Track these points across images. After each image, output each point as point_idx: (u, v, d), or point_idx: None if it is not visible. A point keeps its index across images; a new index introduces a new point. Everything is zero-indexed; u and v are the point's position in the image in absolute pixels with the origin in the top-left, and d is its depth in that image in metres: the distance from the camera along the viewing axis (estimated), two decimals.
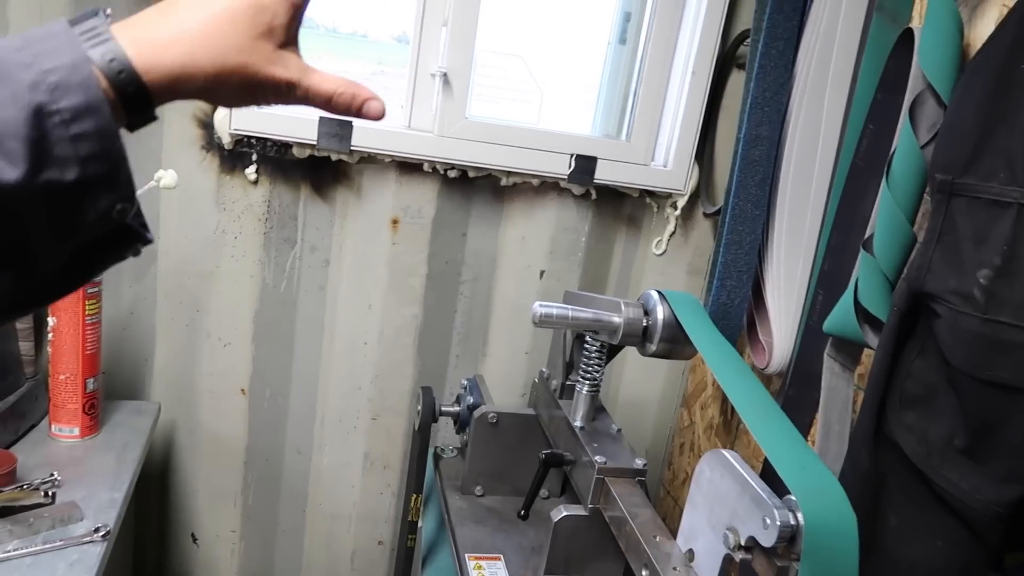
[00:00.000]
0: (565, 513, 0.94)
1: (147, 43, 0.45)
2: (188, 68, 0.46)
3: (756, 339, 1.21)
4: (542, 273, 1.45)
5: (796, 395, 1.12)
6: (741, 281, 1.15)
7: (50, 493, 0.98)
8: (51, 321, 1.13)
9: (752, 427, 0.78)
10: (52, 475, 1.04)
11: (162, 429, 1.41)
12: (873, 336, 0.91)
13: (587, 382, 1.03)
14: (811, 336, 1.09)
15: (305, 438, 1.47)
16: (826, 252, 1.07)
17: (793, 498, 0.68)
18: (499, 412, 1.18)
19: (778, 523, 0.65)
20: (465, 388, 1.29)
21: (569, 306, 0.95)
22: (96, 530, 0.98)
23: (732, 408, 1.37)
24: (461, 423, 1.26)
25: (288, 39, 0.51)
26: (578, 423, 1.03)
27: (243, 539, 1.51)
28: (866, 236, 0.92)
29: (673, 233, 1.48)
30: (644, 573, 0.80)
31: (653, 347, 0.98)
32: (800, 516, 0.66)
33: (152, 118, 0.48)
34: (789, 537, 0.66)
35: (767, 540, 0.67)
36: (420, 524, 1.34)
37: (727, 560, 0.73)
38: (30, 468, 1.09)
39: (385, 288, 1.40)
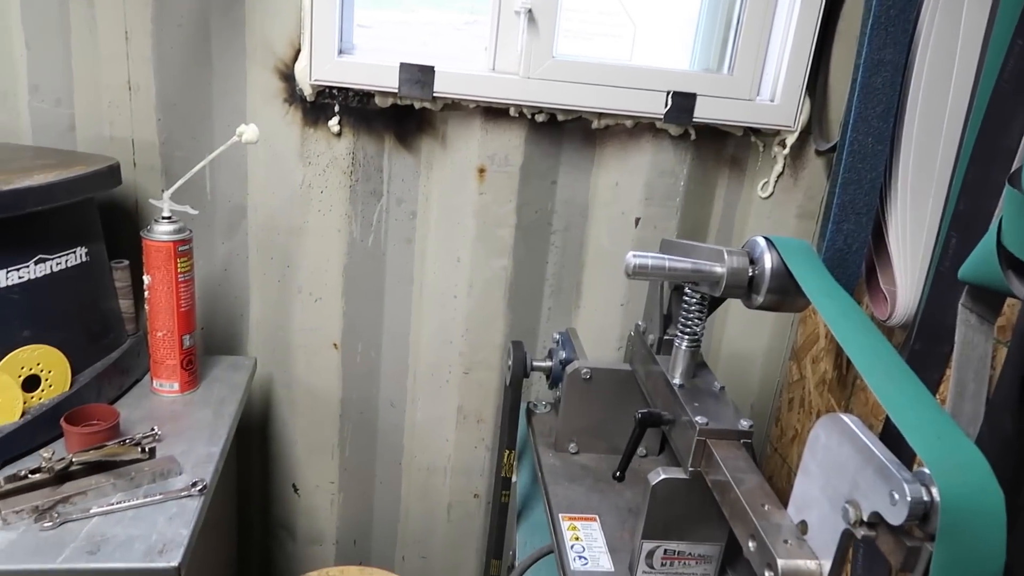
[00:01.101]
0: (663, 476, 0.89)
1: None
2: None
3: (876, 288, 1.10)
4: (637, 221, 1.37)
5: (923, 350, 1.01)
6: (860, 224, 1.04)
7: (148, 449, 1.00)
8: (147, 279, 1.15)
9: (876, 388, 0.69)
10: (153, 430, 1.07)
11: (260, 383, 1.43)
12: (1019, 283, 0.80)
13: (686, 337, 0.96)
14: (942, 284, 0.97)
15: (398, 392, 1.47)
16: (961, 190, 0.94)
17: (926, 471, 0.60)
18: (593, 367, 1.13)
19: (908, 499, 0.57)
20: (557, 342, 1.24)
21: (666, 256, 0.87)
22: (194, 484, 0.99)
23: (848, 362, 1.26)
24: (554, 378, 1.21)
25: None
26: (677, 380, 0.96)
27: (342, 490, 1.53)
28: (1012, 170, 0.80)
29: (781, 174, 1.36)
30: (751, 545, 0.74)
31: (760, 299, 0.90)
32: (935, 491, 0.58)
33: None
34: (921, 515, 0.58)
35: (895, 517, 0.59)
36: (514, 480, 1.32)
37: (846, 536, 0.66)
38: (133, 422, 1.12)
39: (473, 240, 1.35)
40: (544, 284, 1.42)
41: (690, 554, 0.93)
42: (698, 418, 0.87)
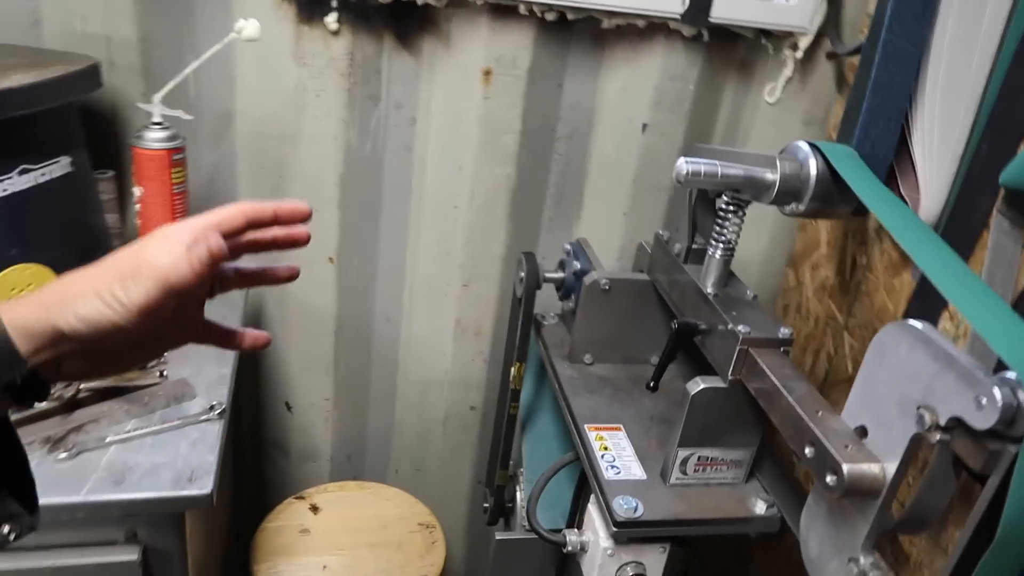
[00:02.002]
0: (703, 386, 0.89)
1: (27, 316, 0.47)
2: (74, 317, 0.47)
3: (897, 195, 1.10)
4: (644, 127, 1.33)
5: None
6: (888, 130, 1.02)
7: (162, 372, 0.95)
8: (137, 191, 1.07)
9: (947, 291, 0.69)
10: None
11: (252, 300, 1.37)
12: None
13: (721, 245, 0.94)
14: (971, 191, 0.97)
15: (394, 306, 1.43)
16: (1000, 94, 0.93)
17: (1011, 375, 0.60)
18: (612, 278, 1.11)
19: (999, 403, 0.58)
20: (569, 253, 1.21)
21: (718, 162, 0.84)
22: (211, 408, 0.95)
23: (851, 268, 1.27)
24: (566, 290, 1.19)
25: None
26: (710, 290, 0.95)
27: (336, 407, 1.50)
28: None
29: (789, 79, 1.33)
30: (808, 451, 0.74)
31: (802, 206, 0.88)
32: (1022, 396, 0.59)
33: (40, 390, 0.51)
34: (1010, 419, 0.59)
35: (981, 422, 0.60)
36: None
37: (915, 441, 0.67)
38: None
39: (477, 147, 1.30)
40: (546, 193, 1.38)
41: (722, 460, 0.94)
42: (740, 327, 0.87)
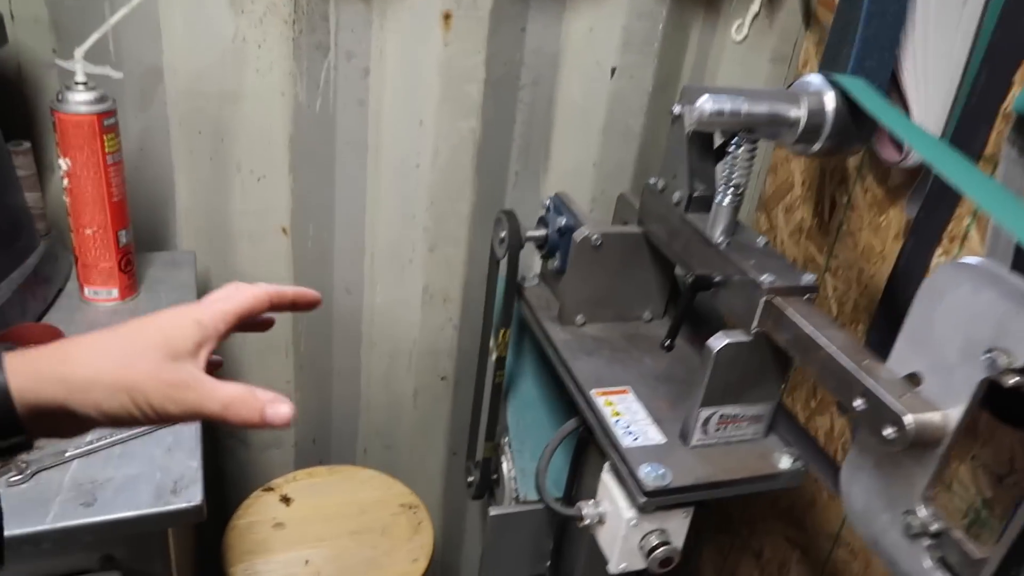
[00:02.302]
0: (727, 341, 0.84)
1: (29, 374, 0.45)
2: (73, 397, 0.46)
3: (882, 130, 1.07)
4: (613, 71, 1.25)
5: (942, 189, 1.00)
6: (883, 61, 0.98)
7: None
8: (63, 164, 0.92)
9: (1001, 219, 0.65)
10: None
11: (198, 281, 1.24)
12: None
13: (731, 190, 0.88)
14: (969, 121, 0.95)
15: (355, 276, 1.32)
16: (999, 21, 0.90)
17: None
18: (603, 233, 1.04)
19: None
20: (549, 208, 1.14)
21: (741, 98, 0.78)
22: None
23: (831, 208, 1.25)
24: (550, 248, 1.12)
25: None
26: (720, 239, 0.90)
27: (298, 389, 1.39)
28: None
29: (756, 15, 1.28)
30: (858, 403, 0.70)
31: (818, 145, 0.83)
32: None
33: (20, 443, 0.46)
34: None
35: None
36: (492, 358, 1.24)
37: (984, 386, 0.63)
38: None
39: (438, 99, 1.19)
40: (512, 147, 1.29)
41: (743, 416, 0.90)
42: (764, 276, 0.82)
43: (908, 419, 0.65)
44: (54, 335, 0.86)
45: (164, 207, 1.19)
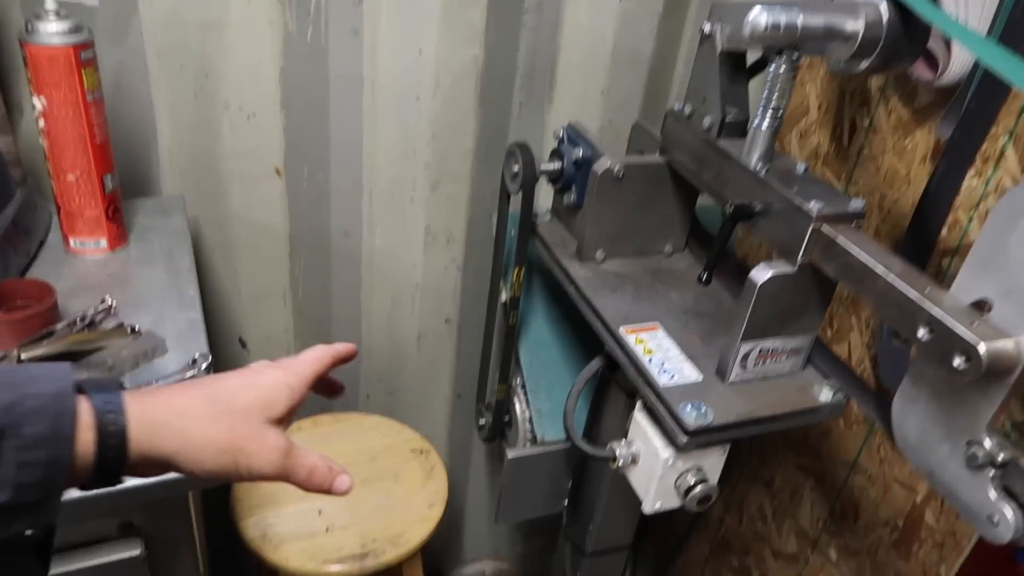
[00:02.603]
0: (772, 273, 0.79)
1: (149, 424, 0.47)
2: (182, 453, 0.49)
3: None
4: None
5: (980, 108, 0.96)
6: None
7: (136, 328, 0.76)
8: (37, 103, 0.83)
9: None
10: (104, 301, 0.82)
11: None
12: None
13: (770, 113, 0.83)
14: (1011, 36, 0.90)
15: (353, 218, 1.26)
16: None
17: None
18: (625, 164, 0.98)
19: None
20: (563, 139, 1.07)
21: (795, 8, 0.71)
22: (193, 361, 0.78)
23: (851, 132, 1.20)
24: (565, 181, 1.06)
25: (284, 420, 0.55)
26: (758, 166, 0.85)
27: (297, 338, 1.34)
28: None
29: None
30: (923, 333, 0.67)
31: (868, 62, 0.78)
32: None
33: (112, 479, 0.47)
34: None
35: None
36: (503, 299, 1.19)
37: None
38: (63, 295, 0.85)
39: (438, 26, 1.11)
40: (516, 76, 1.21)
41: (782, 350, 0.87)
42: (812, 203, 0.77)
43: (982, 347, 0.62)
44: (45, 291, 0.78)
45: (146, 150, 1.10)
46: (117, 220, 0.93)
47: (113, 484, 0.47)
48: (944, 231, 1.08)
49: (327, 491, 0.57)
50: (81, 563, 0.69)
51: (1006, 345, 0.63)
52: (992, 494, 0.68)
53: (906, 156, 1.11)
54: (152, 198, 1.09)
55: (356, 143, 1.18)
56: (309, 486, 0.56)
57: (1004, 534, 0.68)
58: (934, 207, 1.05)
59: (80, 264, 0.92)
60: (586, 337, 1.27)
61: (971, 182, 1.02)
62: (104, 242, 0.93)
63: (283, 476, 0.54)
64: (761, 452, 1.52)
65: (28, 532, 0.45)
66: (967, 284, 0.68)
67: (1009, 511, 0.67)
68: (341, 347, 0.63)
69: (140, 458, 0.47)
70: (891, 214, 1.15)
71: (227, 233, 1.19)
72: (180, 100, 1.06)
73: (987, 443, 0.68)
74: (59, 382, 0.44)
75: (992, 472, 0.68)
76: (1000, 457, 0.67)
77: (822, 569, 1.38)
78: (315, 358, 0.60)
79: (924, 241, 1.05)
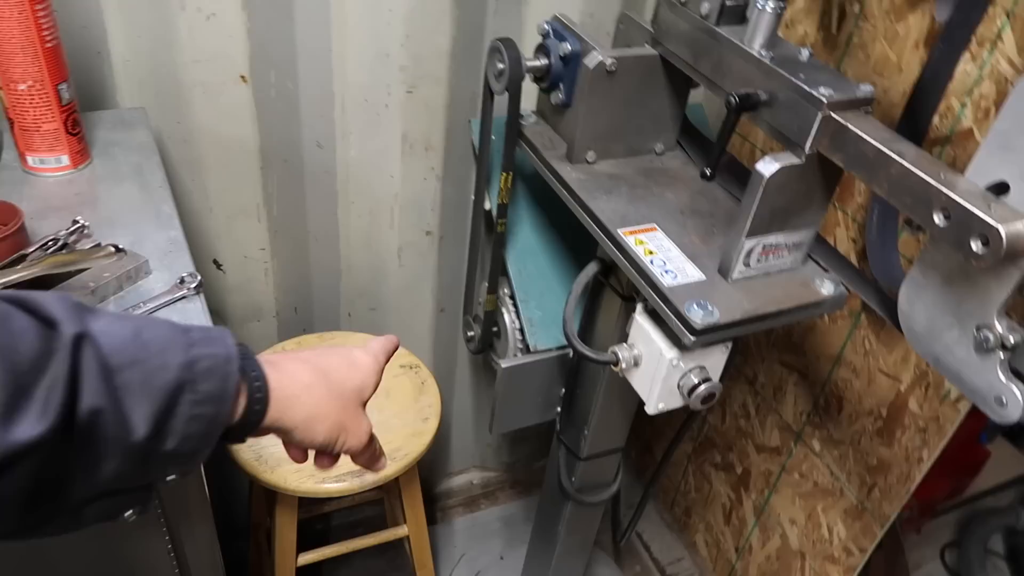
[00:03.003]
0: (779, 165, 0.77)
1: (284, 396, 0.53)
2: (303, 425, 0.55)
3: None
4: None
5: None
6: None
7: (120, 247, 0.71)
8: None
9: None
10: (76, 221, 0.76)
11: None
12: None
13: None
14: None
15: (326, 127, 1.19)
16: None
17: None
18: (618, 57, 0.94)
19: None
20: (547, 34, 1.02)
21: None
22: (182, 281, 0.74)
23: (839, 20, 1.16)
24: (552, 79, 1.01)
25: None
26: (762, 52, 0.81)
27: (275, 256, 1.29)
28: None
29: None
30: (939, 218, 0.66)
31: None
32: None
33: (242, 439, 0.53)
34: None
35: None
36: (488, 207, 1.15)
37: None
38: (28, 219, 0.79)
39: None
40: None
41: (784, 244, 0.86)
42: (821, 89, 0.74)
43: (1002, 230, 0.61)
44: (9, 212, 0.73)
45: (96, 58, 1.02)
46: (78, 134, 0.86)
47: (238, 443, 0.54)
48: (936, 119, 1.07)
49: (373, 468, 0.67)
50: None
51: None
52: (1001, 376, 0.69)
53: (898, 43, 1.08)
54: (111, 111, 1.02)
55: (325, 46, 1.11)
56: (367, 463, 0.65)
57: (1013, 414, 0.69)
58: (928, 94, 1.03)
59: (42, 184, 0.86)
60: (574, 243, 1.25)
61: (964, 67, 1.00)
62: (66, 158, 0.86)
63: (358, 453, 0.61)
64: (744, 351, 1.54)
65: (170, 478, 0.49)
66: (984, 166, 0.66)
67: (1018, 392, 0.68)
68: (393, 339, 0.68)
69: (269, 424, 0.52)
70: (881, 104, 1.13)
71: (193, 148, 1.12)
72: (134, 18, 0.97)
73: (998, 327, 0.68)
74: (227, 346, 0.48)
75: (1002, 355, 0.69)
76: (1011, 340, 0.67)
77: (805, 460, 1.43)
78: (384, 347, 0.65)
79: (916, 130, 1.04)
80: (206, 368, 0.46)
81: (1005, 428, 2.13)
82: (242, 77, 1.08)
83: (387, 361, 0.65)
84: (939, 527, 1.97)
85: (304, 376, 0.55)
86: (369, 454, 0.63)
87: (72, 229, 0.76)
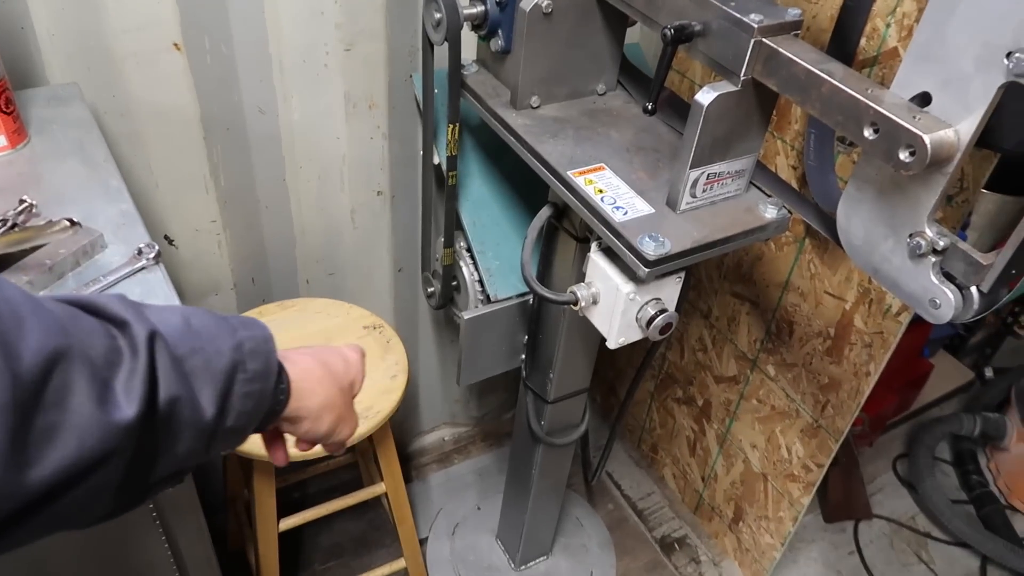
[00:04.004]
0: (716, 94, 0.79)
1: (302, 388, 0.58)
2: (314, 415, 0.60)
3: None
4: None
5: None
6: None
7: (75, 221, 0.71)
8: None
9: None
10: (24, 200, 0.75)
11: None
12: None
13: None
14: None
15: (265, 92, 1.18)
16: None
17: None
18: None
19: None
20: None
21: None
22: (140, 252, 0.74)
23: None
24: (491, 26, 1.02)
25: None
26: None
27: (226, 227, 1.28)
28: None
29: None
30: (869, 133, 0.69)
31: None
32: None
33: (264, 428, 0.57)
34: None
35: None
36: (437, 161, 1.16)
37: (1010, 90, 0.62)
38: None
39: None
40: None
41: (727, 173, 0.89)
42: (752, 16, 0.76)
43: (927, 139, 0.64)
44: None
45: (20, 34, 0.99)
46: (12, 113, 0.84)
47: (259, 432, 0.57)
48: (863, 41, 1.10)
49: (335, 452, 0.71)
50: None
51: (947, 135, 0.66)
52: (934, 279, 0.73)
53: None
54: (42, 88, 0.99)
55: (257, 6, 1.09)
56: (334, 449, 0.68)
57: (946, 313, 0.73)
58: (854, 16, 1.06)
59: None
60: (524, 190, 1.27)
61: None
62: (2, 139, 0.84)
63: (340, 443, 0.66)
64: (697, 286, 1.58)
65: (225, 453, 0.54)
66: (906, 80, 0.70)
67: (949, 293, 0.72)
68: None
69: (289, 413, 0.56)
70: (810, 30, 1.16)
71: (132, 122, 1.10)
72: None
73: (928, 233, 0.72)
74: (263, 328, 0.53)
75: (933, 259, 0.73)
76: (940, 244, 0.71)
77: (762, 386, 1.49)
78: (361, 350, 0.69)
79: (845, 52, 1.07)
80: (251, 349, 0.50)
81: (946, 341, 2.24)
82: (175, 45, 1.06)
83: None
84: (890, 440, 2.07)
85: (316, 370, 0.59)
86: (340, 441, 0.68)
87: (20, 209, 0.75)
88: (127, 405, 0.41)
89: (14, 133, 0.85)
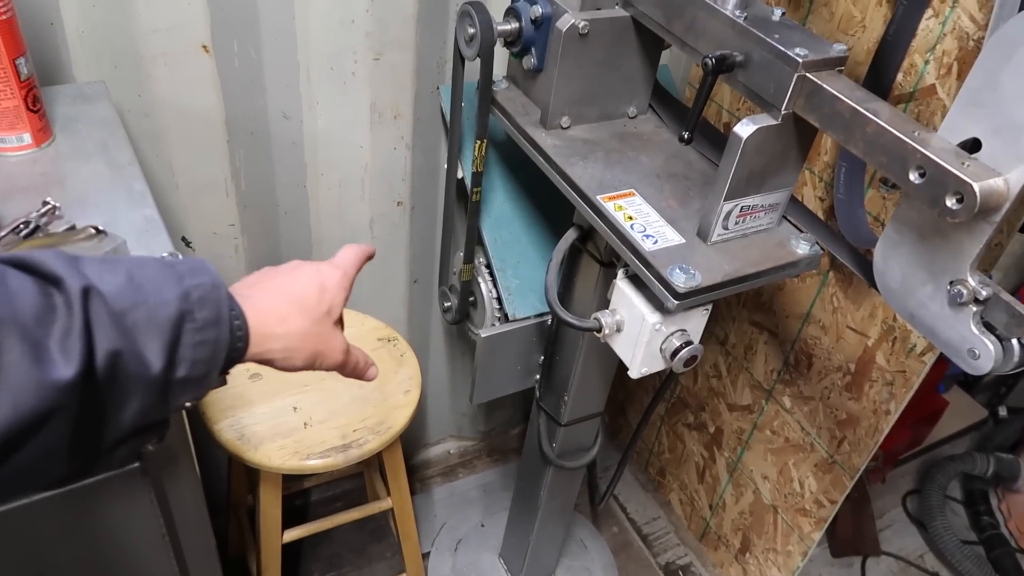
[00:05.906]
0: (755, 127, 0.78)
1: (262, 332, 0.56)
2: (281, 356, 0.58)
3: None
4: None
5: None
6: None
7: (100, 228, 0.69)
8: None
9: None
10: (47, 203, 0.74)
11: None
12: None
13: None
14: None
15: (291, 98, 1.17)
16: None
17: None
18: (591, 19, 0.93)
19: None
20: None
21: None
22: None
23: None
24: (524, 44, 1.00)
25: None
26: (736, 13, 0.81)
27: (244, 231, 1.26)
28: None
29: None
30: (914, 176, 0.67)
31: None
32: None
33: (226, 371, 0.55)
34: None
35: None
36: (461, 175, 1.15)
37: None
38: None
39: None
40: None
41: (761, 206, 0.87)
42: (797, 50, 0.75)
43: (977, 187, 0.63)
44: None
45: (48, 30, 0.97)
46: (38, 111, 0.83)
47: (224, 374, 0.54)
48: (900, 76, 1.08)
49: (364, 378, 0.68)
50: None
51: (997, 184, 0.64)
52: (974, 329, 0.71)
53: (861, 0, 1.10)
54: (68, 85, 0.98)
55: (288, 12, 1.08)
56: (354, 375, 0.66)
57: (985, 364, 0.71)
58: (892, 51, 1.04)
59: (4, 164, 0.82)
60: (547, 210, 1.25)
61: (927, 23, 1.02)
62: (28, 137, 0.83)
63: (339, 369, 0.64)
64: (715, 312, 1.56)
65: (187, 405, 0.53)
66: (956, 124, 0.68)
67: (989, 344, 0.70)
68: (368, 247, 0.69)
69: (251, 358, 0.55)
70: (847, 62, 1.14)
71: (156, 122, 1.09)
72: None
73: (971, 282, 0.70)
74: (212, 274, 0.51)
75: (974, 309, 0.71)
76: (983, 294, 0.69)
77: (776, 417, 1.47)
78: (356, 258, 0.67)
79: (881, 87, 1.05)
80: (200, 297, 0.49)
81: (960, 377, 2.21)
82: (204, 47, 1.05)
83: (357, 271, 0.66)
84: (901, 476, 2.05)
85: (279, 308, 0.57)
86: (352, 367, 0.65)
87: (43, 211, 0.73)
88: (64, 363, 0.41)
89: (40, 132, 0.84)
